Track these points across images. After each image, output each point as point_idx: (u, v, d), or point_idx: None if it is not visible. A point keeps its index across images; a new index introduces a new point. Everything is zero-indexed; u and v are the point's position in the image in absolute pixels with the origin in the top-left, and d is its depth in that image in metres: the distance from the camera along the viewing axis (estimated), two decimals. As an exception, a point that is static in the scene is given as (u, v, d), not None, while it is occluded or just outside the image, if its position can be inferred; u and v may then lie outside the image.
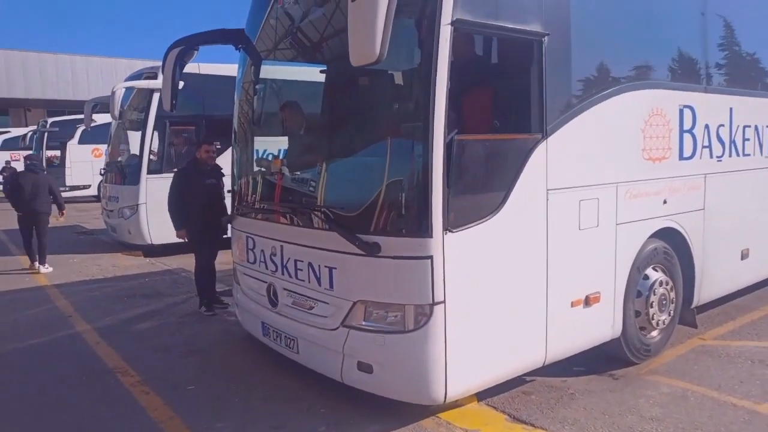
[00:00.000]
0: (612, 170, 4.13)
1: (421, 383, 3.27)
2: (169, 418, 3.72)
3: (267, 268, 4.11)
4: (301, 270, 3.75)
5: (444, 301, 3.18)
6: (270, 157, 4.50)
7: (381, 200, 3.25)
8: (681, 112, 4.64)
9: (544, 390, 3.99)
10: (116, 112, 9.46)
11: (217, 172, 6.18)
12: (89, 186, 18.36)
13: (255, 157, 4.61)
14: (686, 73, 4.81)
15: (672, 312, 4.75)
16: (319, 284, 3.61)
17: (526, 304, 3.65)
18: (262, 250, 4.16)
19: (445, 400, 3.30)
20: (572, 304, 3.91)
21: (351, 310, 3.42)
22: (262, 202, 4.27)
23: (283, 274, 3.93)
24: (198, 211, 5.83)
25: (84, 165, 18.50)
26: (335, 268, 3.49)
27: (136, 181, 9.36)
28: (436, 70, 3.05)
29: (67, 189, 19.14)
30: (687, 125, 4.71)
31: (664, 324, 4.68)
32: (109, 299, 6.82)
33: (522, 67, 3.55)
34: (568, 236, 3.83)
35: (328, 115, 4.09)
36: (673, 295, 4.73)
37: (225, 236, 6.04)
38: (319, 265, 3.59)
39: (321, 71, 4.15)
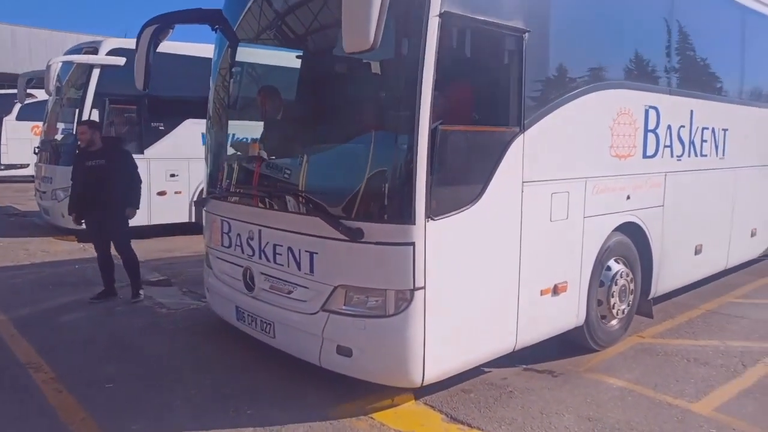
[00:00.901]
0: (582, 165, 4.36)
1: (400, 366, 3.40)
2: (81, 419, 3.48)
3: (243, 252, 4.15)
4: (281, 254, 3.81)
5: (424, 287, 3.31)
6: (248, 142, 4.50)
7: (365, 187, 3.35)
8: (646, 112, 4.92)
9: (484, 388, 3.98)
10: (51, 87, 9.15)
11: (112, 152, 5.79)
12: (27, 165, 17.57)
13: (231, 141, 4.61)
14: (653, 75, 5.10)
15: (631, 302, 5.07)
16: (299, 269, 3.68)
17: (500, 292, 3.83)
18: (239, 234, 4.18)
19: (422, 383, 3.44)
20: (542, 293, 4.12)
21: (331, 294, 3.51)
22: (240, 186, 4.28)
23: (260, 258, 3.98)
24: (78, 194, 5.70)
25: (22, 143, 17.67)
26: (316, 253, 3.57)
27: (70, 161, 9.04)
28: (423, 61, 3.16)
29: (2, 168, 18.32)
30: (651, 125, 5.00)
31: (623, 314, 4.98)
32: (33, 287, 6.42)
33: (503, 61, 3.71)
34: (540, 227, 4.03)
35: (313, 101, 4.13)
36: (632, 286, 5.04)
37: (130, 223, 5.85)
38: (300, 250, 3.66)
39: (306, 57, 4.19)
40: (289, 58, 4.38)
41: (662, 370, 4.39)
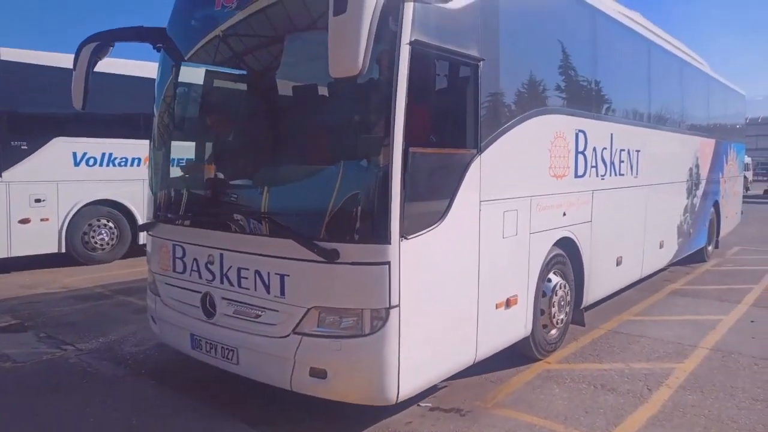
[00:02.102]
0: (527, 184, 4.71)
1: (375, 385, 3.46)
2: None
3: (201, 277, 4.04)
4: (246, 278, 3.76)
5: (399, 305, 3.42)
6: (202, 163, 4.39)
7: (340, 208, 3.41)
8: (577, 135, 5.41)
9: (388, 438, 3.72)
10: None
11: None
12: None
13: (182, 163, 4.49)
14: (581, 102, 5.63)
15: (567, 312, 5.49)
16: (268, 292, 3.65)
17: (463, 306, 4.03)
18: (195, 259, 4.07)
19: (396, 400, 3.53)
20: (497, 306, 4.37)
21: (304, 316, 3.52)
22: (197, 209, 4.15)
23: (222, 282, 3.90)
24: None
25: None
26: (288, 276, 3.56)
27: None
28: (396, 86, 3.30)
29: None
30: (581, 147, 5.50)
31: (562, 323, 5.39)
32: None
33: (463, 87, 3.96)
34: (494, 244, 4.29)
35: (280, 124, 4.11)
36: (568, 297, 5.47)
37: None
38: (269, 273, 3.63)
39: (267, 78, 4.18)
40: (245, 80, 4.36)
41: (571, 401, 4.32)
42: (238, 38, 4.08)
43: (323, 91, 3.86)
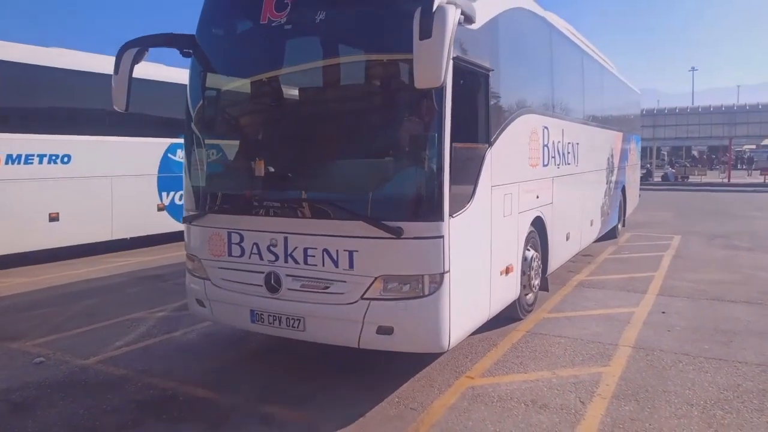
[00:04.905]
0: (516, 172, 5.76)
1: (433, 336, 4.29)
2: None
3: (263, 259, 4.62)
4: (313, 256, 4.42)
5: (449, 271, 4.28)
6: (256, 158, 4.92)
7: (402, 194, 4.22)
8: (544, 131, 6.56)
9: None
10: None
11: None
12: None
13: (239, 159, 5.05)
14: (546, 104, 6.81)
15: (539, 278, 6.63)
16: (336, 266, 4.35)
17: (482, 272, 4.98)
18: (255, 244, 4.65)
19: (449, 347, 4.39)
20: (500, 273, 5.37)
21: (371, 284, 4.27)
22: (262, 200, 4.68)
23: (287, 261, 4.52)
24: None
25: None
26: (356, 251, 4.29)
27: None
28: (445, 93, 4.15)
29: None
30: (545, 141, 6.66)
31: (536, 288, 6.53)
32: None
33: (479, 92, 4.90)
34: (499, 221, 5.28)
35: (349, 125, 4.70)
36: (539, 266, 6.60)
37: None
38: (338, 250, 4.33)
39: (339, 85, 4.87)
40: (313, 86, 4.97)
41: (503, 427, 3.97)
42: (293, 50, 4.70)
43: (387, 96, 4.60)
